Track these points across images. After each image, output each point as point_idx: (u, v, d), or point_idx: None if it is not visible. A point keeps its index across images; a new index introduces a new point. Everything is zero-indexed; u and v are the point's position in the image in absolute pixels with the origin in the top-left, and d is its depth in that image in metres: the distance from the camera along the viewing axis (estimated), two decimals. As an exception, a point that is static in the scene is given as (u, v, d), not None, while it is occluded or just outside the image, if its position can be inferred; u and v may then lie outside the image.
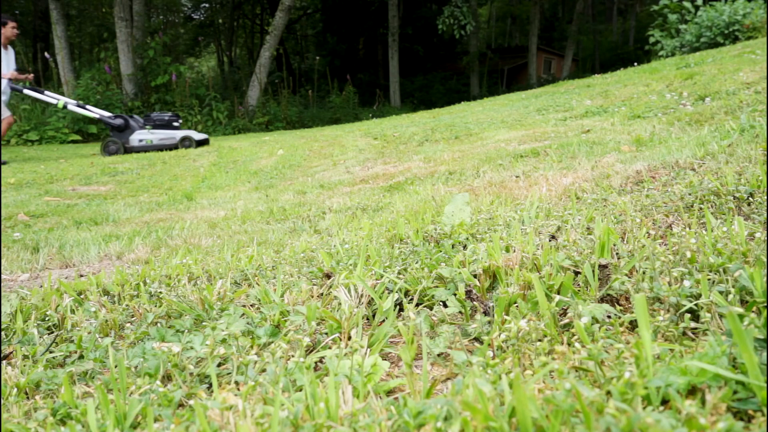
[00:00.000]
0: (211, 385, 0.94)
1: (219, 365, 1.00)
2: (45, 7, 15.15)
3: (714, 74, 4.91)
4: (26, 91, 7.81)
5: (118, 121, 7.86)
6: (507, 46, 30.25)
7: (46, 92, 7.96)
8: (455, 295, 1.14)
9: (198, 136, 8.06)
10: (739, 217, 1.13)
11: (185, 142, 7.82)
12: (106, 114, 7.97)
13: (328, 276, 1.39)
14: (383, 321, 1.11)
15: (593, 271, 1.08)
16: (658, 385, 0.68)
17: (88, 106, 8.06)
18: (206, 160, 6.24)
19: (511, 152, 3.58)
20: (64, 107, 7.88)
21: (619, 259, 1.15)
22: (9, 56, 7.50)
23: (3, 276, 2.05)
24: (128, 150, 7.74)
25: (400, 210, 2.42)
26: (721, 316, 0.88)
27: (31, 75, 7.68)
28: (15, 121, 7.98)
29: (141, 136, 7.82)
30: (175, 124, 8.02)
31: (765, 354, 0.70)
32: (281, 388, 0.84)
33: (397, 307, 1.17)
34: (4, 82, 7.46)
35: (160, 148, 7.76)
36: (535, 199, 1.88)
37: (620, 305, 1.04)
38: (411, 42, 23.05)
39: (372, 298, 1.18)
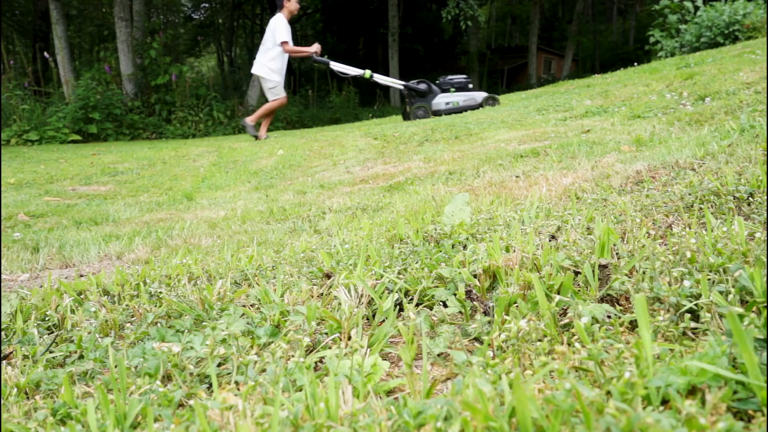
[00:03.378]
0: (211, 385, 0.94)
1: (219, 365, 1.00)
2: (45, 7, 15.14)
3: (714, 74, 4.91)
4: (332, 65, 7.83)
5: (422, 87, 7.84)
6: (507, 46, 30.25)
7: (345, 66, 8.02)
8: (455, 295, 1.14)
9: (496, 96, 8.05)
10: (739, 217, 1.13)
11: (489, 101, 7.74)
12: (411, 82, 8.00)
13: (328, 276, 1.39)
14: (383, 321, 1.11)
15: (593, 271, 1.08)
16: (658, 385, 0.68)
17: (386, 77, 8.13)
18: (206, 160, 6.24)
19: (511, 152, 3.58)
20: (371, 77, 7.93)
21: (619, 259, 1.15)
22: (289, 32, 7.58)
23: (3, 276, 2.05)
24: (435, 113, 7.71)
25: (400, 210, 2.42)
26: (721, 316, 0.88)
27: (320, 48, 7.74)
28: (285, 103, 8.11)
29: (447, 99, 7.76)
30: (470, 86, 8.01)
31: (765, 354, 0.70)
32: (281, 388, 0.84)
33: (397, 307, 1.17)
34: (280, 58, 7.50)
35: (465, 109, 7.67)
36: (535, 199, 1.88)
37: (620, 305, 1.04)
38: (411, 42, 23.05)
39: (372, 298, 1.18)
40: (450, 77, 8.07)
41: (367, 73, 7.89)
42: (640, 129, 3.49)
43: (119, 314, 1.31)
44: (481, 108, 7.59)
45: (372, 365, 0.89)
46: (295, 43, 9.33)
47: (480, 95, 7.83)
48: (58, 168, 6.25)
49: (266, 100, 8.04)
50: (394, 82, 8.07)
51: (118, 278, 1.59)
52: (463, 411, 0.65)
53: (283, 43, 7.30)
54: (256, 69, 7.62)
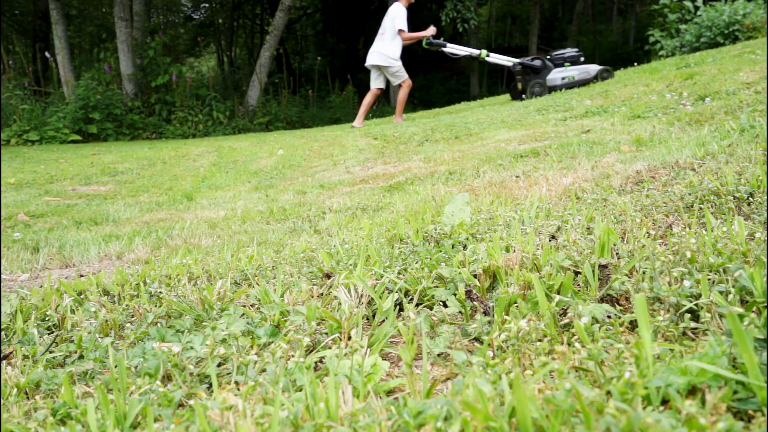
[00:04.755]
0: (211, 385, 0.94)
1: (219, 365, 1.00)
2: (45, 7, 15.13)
3: (714, 74, 4.91)
4: (449, 46, 7.81)
5: (537, 63, 7.76)
6: (507, 46, 30.20)
7: (460, 46, 7.99)
8: (455, 295, 1.14)
9: (610, 68, 7.92)
10: (739, 217, 1.13)
11: (604, 74, 7.62)
12: (526, 59, 7.93)
13: (328, 276, 1.39)
14: (383, 321, 1.11)
15: (593, 271, 1.08)
16: (658, 385, 0.68)
17: (499, 55, 8.10)
18: (206, 160, 6.24)
19: (511, 152, 3.58)
20: (487, 56, 7.92)
21: (619, 259, 1.15)
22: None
23: (3, 276, 2.05)
24: (551, 89, 7.60)
25: (400, 210, 2.42)
26: (721, 316, 0.88)
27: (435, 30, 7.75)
28: (411, 85, 8.14)
29: (562, 74, 7.65)
30: (582, 59, 7.92)
31: (765, 354, 0.70)
32: (281, 388, 0.84)
33: (397, 307, 1.17)
34: (398, 45, 7.58)
35: (579, 83, 7.58)
36: (535, 199, 1.88)
37: (620, 305, 1.04)
38: (411, 42, 23.04)
39: (372, 298, 1.18)
40: (561, 51, 7.96)
41: (483, 53, 7.87)
42: (640, 129, 3.49)
43: (119, 314, 1.31)
44: (595, 81, 7.46)
45: (372, 365, 0.89)
46: (296, 43, 9.35)
47: (594, 68, 7.68)
48: (58, 168, 6.25)
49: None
50: (508, 60, 7.97)
51: (118, 278, 1.59)
52: (463, 411, 0.65)
53: (400, 31, 7.48)
54: (375, 59, 7.69)
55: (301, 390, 0.84)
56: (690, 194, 1.58)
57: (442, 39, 8.08)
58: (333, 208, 2.91)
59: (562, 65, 7.75)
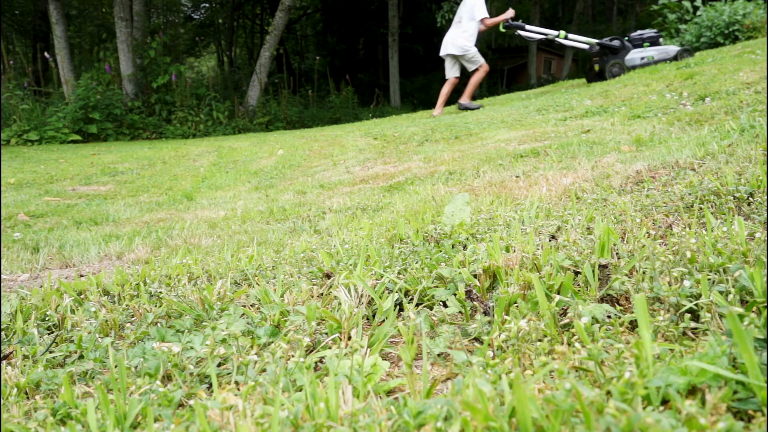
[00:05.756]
0: (211, 385, 0.94)
1: (219, 365, 1.00)
2: (45, 7, 15.13)
3: (714, 74, 4.91)
4: (527, 29, 7.86)
5: (616, 43, 7.77)
6: (507, 46, 30.23)
7: (539, 28, 8.01)
8: (455, 295, 1.14)
9: (689, 48, 7.91)
10: (739, 217, 1.13)
11: (684, 54, 7.59)
12: (605, 39, 7.93)
13: (328, 276, 1.39)
14: (383, 321, 1.11)
15: (593, 271, 1.08)
16: (658, 385, 0.68)
17: (578, 36, 8.12)
18: (206, 160, 6.24)
19: (511, 152, 3.58)
20: (565, 38, 7.94)
21: (619, 259, 1.15)
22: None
23: (3, 276, 2.05)
24: (630, 70, 7.59)
25: (400, 210, 2.42)
26: (721, 316, 0.88)
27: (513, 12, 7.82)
28: (488, 70, 8.19)
29: (641, 54, 7.68)
30: (660, 39, 7.94)
31: (765, 354, 0.70)
32: (281, 388, 0.84)
33: (397, 307, 1.17)
34: (473, 34, 7.66)
35: (658, 63, 7.57)
36: (535, 199, 1.88)
37: (620, 305, 1.04)
38: (411, 42, 23.04)
39: (372, 298, 1.18)
40: (640, 32, 7.97)
41: (562, 33, 7.91)
42: (640, 129, 3.49)
43: (119, 314, 1.31)
44: (676, 60, 7.41)
45: (372, 365, 0.89)
46: (296, 43, 9.36)
47: (673, 49, 7.68)
48: (58, 168, 6.25)
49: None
50: (587, 41, 7.99)
51: (118, 278, 1.59)
52: (463, 411, 0.65)
53: (483, 19, 7.61)
54: (449, 49, 7.73)
55: (301, 390, 0.84)
56: (690, 194, 1.58)
57: (520, 21, 8.15)
58: (333, 208, 2.90)
59: (640, 45, 7.74)
